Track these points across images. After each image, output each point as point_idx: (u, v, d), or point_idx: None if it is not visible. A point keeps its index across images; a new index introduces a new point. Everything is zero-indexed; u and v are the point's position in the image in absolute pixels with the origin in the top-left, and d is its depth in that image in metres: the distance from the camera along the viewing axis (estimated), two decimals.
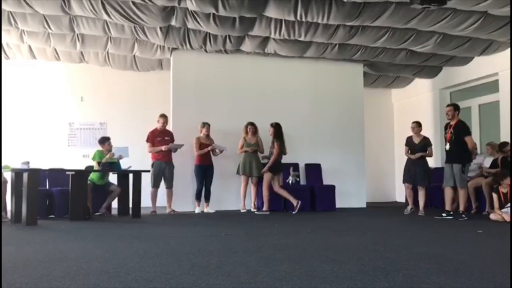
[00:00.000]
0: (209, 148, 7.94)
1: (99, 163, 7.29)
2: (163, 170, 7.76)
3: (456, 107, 7.05)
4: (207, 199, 8.05)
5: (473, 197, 7.81)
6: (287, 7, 6.55)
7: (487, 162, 7.74)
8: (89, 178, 7.29)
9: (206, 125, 8.05)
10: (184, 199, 8.25)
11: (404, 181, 7.78)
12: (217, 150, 8.07)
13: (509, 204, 6.45)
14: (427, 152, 7.58)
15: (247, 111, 8.69)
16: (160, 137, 7.81)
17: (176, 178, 7.91)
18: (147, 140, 7.81)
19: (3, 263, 3.23)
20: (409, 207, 7.68)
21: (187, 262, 3.30)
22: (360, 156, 9.45)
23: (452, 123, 6.97)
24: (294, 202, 7.91)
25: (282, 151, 8.09)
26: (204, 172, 8.00)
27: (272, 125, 8.13)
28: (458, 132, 6.85)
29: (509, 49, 8.12)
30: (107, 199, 7.48)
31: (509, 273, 2.92)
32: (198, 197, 8.03)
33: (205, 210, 7.99)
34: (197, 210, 7.99)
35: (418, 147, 7.57)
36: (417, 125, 7.70)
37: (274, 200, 8.24)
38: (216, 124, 8.19)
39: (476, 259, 3.48)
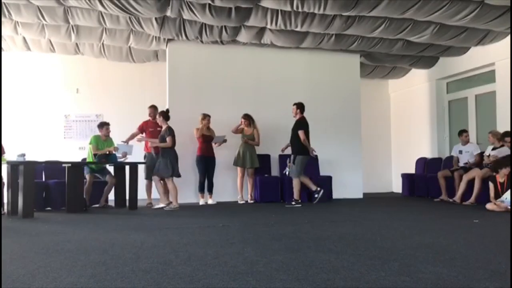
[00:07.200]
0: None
1: (95, 155, 7.26)
2: (155, 162, 7.70)
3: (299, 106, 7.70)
4: (210, 191, 8.03)
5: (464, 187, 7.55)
6: None
7: (489, 151, 7.49)
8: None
9: (207, 117, 7.98)
10: (180, 191, 8.22)
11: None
12: (216, 144, 8.05)
13: (505, 195, 6.46)
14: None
15: (243, 102, 8.67)
16: (153, 128, 7.77)
17: None
18: (138, 128, 7.83)
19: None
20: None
21: (184, 252, 3.31)
22: (356, 147, 9.46)
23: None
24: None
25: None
26: (205, 164, 7.98)
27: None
28: None
29: (505, 39, 8.12)
30: (104, 191, 7.46)
31: (504, 261, 2.94)
32: (201, 189, 8.02)
33: (209, 202, 7.98)
34: (201, 202, 7.95)
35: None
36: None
37: (271, 190, 8.28)
38: (212, 115, 8.13)
39: (472, 249, 3.50)
